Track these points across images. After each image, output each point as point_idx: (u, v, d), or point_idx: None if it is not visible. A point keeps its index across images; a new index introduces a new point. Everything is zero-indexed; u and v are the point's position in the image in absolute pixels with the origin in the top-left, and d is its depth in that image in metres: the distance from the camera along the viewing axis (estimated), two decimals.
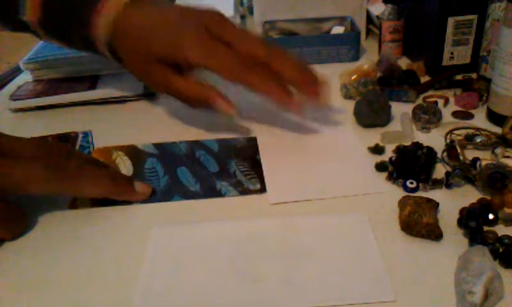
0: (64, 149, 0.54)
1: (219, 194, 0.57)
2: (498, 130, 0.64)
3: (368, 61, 0.82)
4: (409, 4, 0.87)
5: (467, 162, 0.56)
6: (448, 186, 0.55)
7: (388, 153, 0.62)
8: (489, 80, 0.69)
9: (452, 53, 0.80)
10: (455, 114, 0.70)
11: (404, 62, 0.87)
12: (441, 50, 0.80)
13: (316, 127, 0.70)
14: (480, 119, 0.69)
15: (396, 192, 0.55)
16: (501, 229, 0.48)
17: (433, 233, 0.47)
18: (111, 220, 0.54)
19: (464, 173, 0.54)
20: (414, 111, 0.69)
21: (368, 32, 1.04)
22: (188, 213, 0.54)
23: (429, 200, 0.50)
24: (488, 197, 0.52)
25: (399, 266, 0.45)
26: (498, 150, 0.59)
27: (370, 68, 0.81)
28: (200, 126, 0.73)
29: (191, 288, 0.44)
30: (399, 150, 0.60)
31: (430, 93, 0.77)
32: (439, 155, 0.60)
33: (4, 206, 0.49)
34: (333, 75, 0.84)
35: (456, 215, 0.50)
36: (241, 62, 0.59)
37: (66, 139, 0.68)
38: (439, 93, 0.76)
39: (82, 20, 0.64)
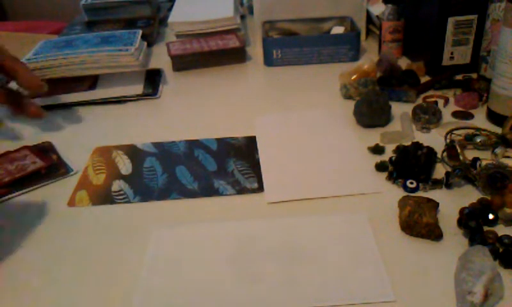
0: None
1: (216, 192, 0.57)
2: (498, 130, 0.63)
3: (368, 61, 0.82)
4: (409, 4, 0.87)
5: (467, 162, 0.56)
6: (448, 186, 0.55)
7: (388, 153, 0.62)
8: (489, 80, 0.69)
9: (452, 53, 0.80)
10: (455, 114, 0.70)
11: (404, 62, 0.87)
12: (441, 50, 0.80)
13: (316, 127, 0.69)
14: (480, 119, 0.69)
15: (396, 192, 0.55)
16: (501, 229, 0.48)
17: (433, 233, 0.47)
18: (110, 217, 0.54)
19: (464, 173, 0.54)
20: (414, 111, 0.69)
21: (368, 32, 1.04)
22: (186, 212, 0.54)
23: (429, 200, 0.50)
24: (488, 197, 0.52)
25: (399, 266, 0.45)
26: (498, 150, 0.59)
27: (370, 68, 0.81)
28: (199, 125, 0.72)
29: (191, 288, 0.44)
30: (399, 150, 0.60)
31: (430, 93, 0.77)
32: (439, 155, 0.60)
33: None
34: (333, 75, 0.84)
35: (456, 215, 0.50)
36: None
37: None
38: (439, 93, 0.76)
39: None
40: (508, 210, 0.49)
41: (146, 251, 0.49)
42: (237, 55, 0.95)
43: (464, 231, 0.48)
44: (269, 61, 0.92)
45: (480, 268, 0.41)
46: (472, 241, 0.46)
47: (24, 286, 0.46)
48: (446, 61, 0.81)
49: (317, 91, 0.81)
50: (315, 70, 0.90)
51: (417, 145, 0.59)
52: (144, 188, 0.59)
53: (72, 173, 0.63)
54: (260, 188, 0.57)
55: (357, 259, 0.46)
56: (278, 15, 0.98)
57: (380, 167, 0.59)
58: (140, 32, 0.94)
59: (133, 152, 0.67)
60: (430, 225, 0.47)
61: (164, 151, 0.66)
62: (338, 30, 0.97)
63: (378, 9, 0.98)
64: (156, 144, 0.68)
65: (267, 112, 0.75)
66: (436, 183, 0.55)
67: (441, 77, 0.78)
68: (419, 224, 0.47)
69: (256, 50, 1.01)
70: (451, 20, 0.77)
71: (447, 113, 0.71)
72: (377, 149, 0.62)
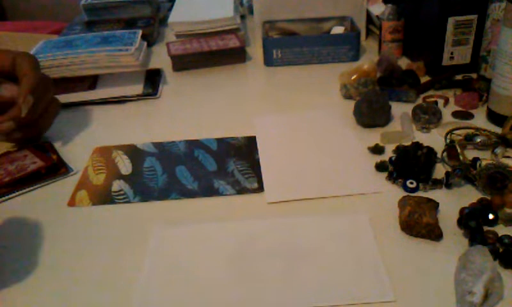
0: None
1: (216, 192, 0.57)
2: (498, 130, 0.63)
3: (368, 61, 0.82)
4: (409, 4, 0.87)
5: (467, 162, 0.56)
6: (448, 186, 0.55)
7: (388, 153, 0.62)
8: (489, 80, 0.69)
9: (452, 53, 0.80)
10: (455, 114, 0.70)
11: (404, 62, 0.87)
12: (441, 50, 0.80)
13: (316, 127, 0.69)
14: (480, 119, 0.69)
15: (396, 192, 0.55)
16: (501, 229, 0.48)
17: (433, 233, 0.47)
18: (110, 217, 0.54)
19: (464, 172, 0.54)
20: (414, 111, 0.69)
21: (368, 32, 1.04)
22: (186, 212, 0.54)
23: (429, 200, 0.50)
24: (488, 197, 0.52)
25: (399, 266, 0.45)
26: (498, 150, 0.59)
27: (370, 68, 0.81)
28: (199, 125, 0.72)
29: (191, 288, 0.44)
30: (399, 150, 0.60)
31: (430, 93, 0.77)
32: (439, 155, 0.60)
33: None
34: (333, 75, 0.84)
35: (456, 215, 0.50)
36: None
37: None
38: (439, 93, 0.76)
39: None
40: (508, 210, 0.49)
41: (146, 251, 0.49)
42: (237, 55, 0.95)
43: (464, 231, 0.48)
44: (269, 61, 0.92)
45: (480, 268, 0.41)
46: (472, 241, 0.46)
47: (23, 285, 0.46)
48: (446, 61, 0.81)
49: (317, 91, 0.81)
50: (315, 70, 0.90)
51: (417, 145, 0.59)
52: (144, 188, 0.59)
53: (72, 172, 0.63)
54: (260, 188, 0.57)
55: (357, 259, 0.46)
56: (278, 15, 0.98)
57: (380, 167, 0.59)
58: (140, 32, 0.94)
59: (133, 152, 0.67)
60: (430, 225, 0.47)
61: (164, 151, 0.66)
62: (338, 30, 0.97)
63: (378, 9, 0.98)
64: (156, 144, 0.68)
65: (267, 112, 0.75)
66: (436, 183, 0.55)
67: (441, 77, 0.78)
68: (419, 224, 0.47)
69: (256, 50, 1.01)
70: (451, 20, 0.77)
71: (447, 113, 0.71)
72: (377, 149, 0.62)
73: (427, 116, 0.68)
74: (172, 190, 0.58)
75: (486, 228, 0.48)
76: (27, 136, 0.67)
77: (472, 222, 0.47)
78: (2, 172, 0.61)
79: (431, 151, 0.59)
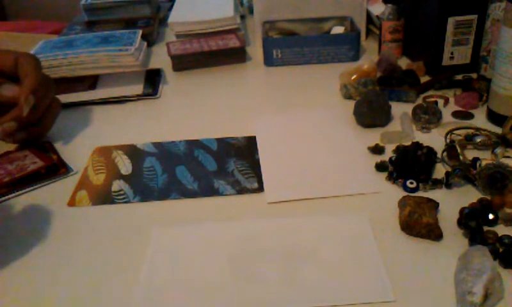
0: None
1: (216, 192, 0.57)
2: (498, 130, 0.63)
3: (368, 61, 0.82)
4: (409, 4, 0.87)
5: (467, 162, 0.56)
6: (448, 186, 0.55)
7: (388, 153, 0.62)
8: (489, 80, 0.69)
9: (452, 53, 0.80)
10: (455, 114, 0.70)
11: (404, 62, 0.87)
12: (441, 50, 0.80)
13: (316, 127, 0.69)
14: (480, 119, 0.69)
15: (396, 192, 0.55)
16: (501, 229, 0.48)
17: (433, 233, 0.47)
18: (110, 217, 0.54)
19: (464, 172, 0.54)
20: (414, 111, 0.69)
21: (368, 32, 1.04)
22: (186, 212, 0.54)
23: (429, 200, 0.50)
24: (488, 197, 0.52)
25: (399, 266, 0.45)
26: (498, 150, 0.59)
27: (370, 68, 0.81)
28: (199, 125, 0.72)
29: (191, 288, 0.44)
30: (399, 150, 0.60)
31: (430, 93, 0.77)
32: (439, 155, 0.60)
33: None
34: (333, 75, 0.84)
35: (456, 215, 0.50)
36: None
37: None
38: (439, 93, 0.76)
39: None
40: (508, 210, 0.49)
41: (146, 251, 0.49)
42: (237, 55, 0.95)
43: (464, 231, 0.48)
44: (269, 61, 0.92)
45: (480, 268, 0.41)
46: (472, 241, 0.46)
47: (24, 285, 0.46)
48: (446, 61, 0.81)
49: (317, 91, 0.81)
50: (315, 70, 0.90)
51: (417, 145, 0.59)
52: (144, 188, 0.59)
53: (72, 173, 0.63)
54: (260, 189, 0.57)
55: (357, 259, 0.46)
56: (278, 15, 0.98)
57: (380, 167, 0.59)
58: (140, 32, 0.94)
59: (133, 152, 0.67)
60: (430, 225, 0.47)
61: (164, 151, 0.66)
62: (338, 30, 0.97)
63: (378, 9, 0.98)
64: (156, 144, 0.68)
65: (267, 112, 0.75)
66: (436, 183, 0.55)
67: (441, 77, 0.78)
68: (419, 224, 0.47)
69: (256, 50, 1.01)
70: (451, 20, 0.77)
71: (447, 113, 0.71)
72: (377, 149, 0.62)
73: (427, 116, 0.68)
74: (172, 190, 0.58)
75: (486, 228, 0.48)
76: (30, 137, 0.67)
77: (472, 222, 0.47)
78: (2, 172, 0.61)
79: (431, 151, 0.59)
